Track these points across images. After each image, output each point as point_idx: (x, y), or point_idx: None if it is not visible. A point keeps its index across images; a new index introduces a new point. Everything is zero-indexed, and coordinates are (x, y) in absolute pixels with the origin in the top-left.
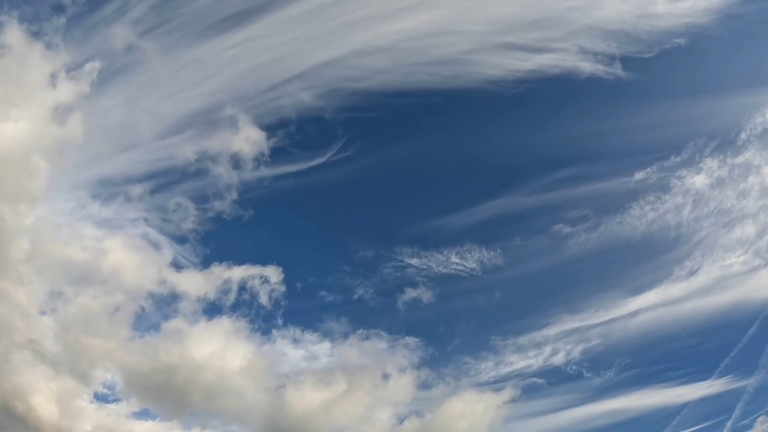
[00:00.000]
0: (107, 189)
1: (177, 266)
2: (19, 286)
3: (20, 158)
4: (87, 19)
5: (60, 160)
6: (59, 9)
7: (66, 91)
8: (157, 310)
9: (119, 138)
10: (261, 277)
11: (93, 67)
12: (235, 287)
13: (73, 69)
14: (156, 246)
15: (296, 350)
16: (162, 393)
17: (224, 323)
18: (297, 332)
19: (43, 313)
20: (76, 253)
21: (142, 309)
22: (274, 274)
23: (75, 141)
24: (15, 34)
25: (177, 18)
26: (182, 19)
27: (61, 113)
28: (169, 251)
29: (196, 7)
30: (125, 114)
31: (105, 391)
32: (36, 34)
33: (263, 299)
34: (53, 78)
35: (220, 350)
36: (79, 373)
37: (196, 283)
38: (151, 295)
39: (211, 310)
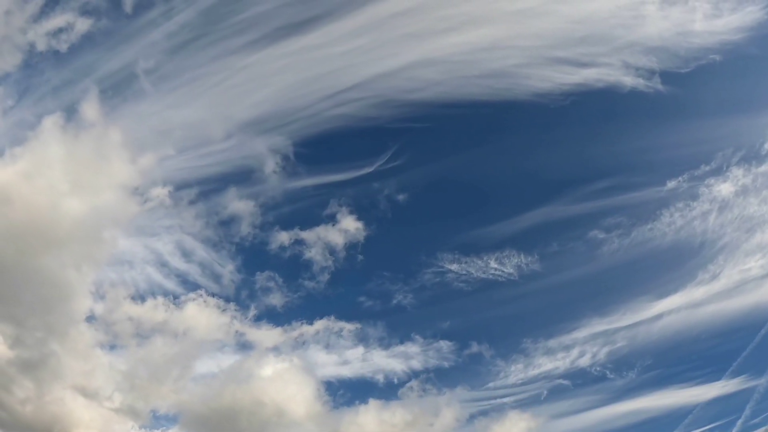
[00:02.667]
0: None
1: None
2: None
3: (92, 227)
4: None
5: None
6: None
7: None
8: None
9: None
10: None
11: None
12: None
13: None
14: (236, 302)
15: (329, 355)
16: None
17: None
18: (332, 337)
19: (107, 356)
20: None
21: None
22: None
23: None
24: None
25: (231, 27)
26: (235, 28)
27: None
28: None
29: (249, 16)
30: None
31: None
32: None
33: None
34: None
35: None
36: (136, 411)
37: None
38: (222, 344)
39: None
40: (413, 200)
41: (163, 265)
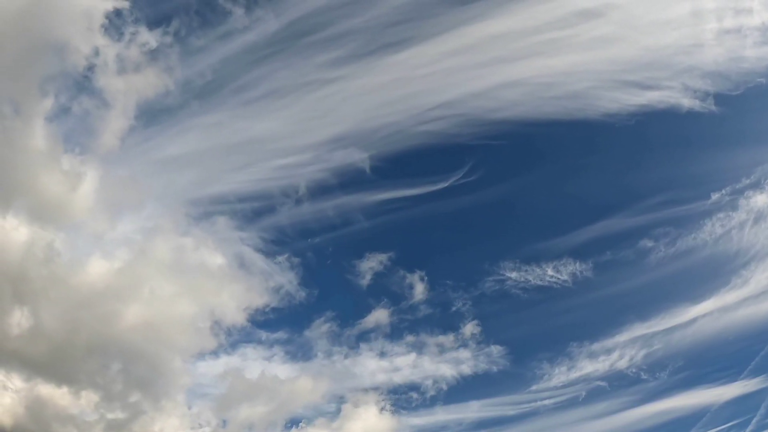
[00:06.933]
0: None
1: None
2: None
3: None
4: None
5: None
6: None
7: None
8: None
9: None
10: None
11: None
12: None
13: None
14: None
15: (380, 362)
16: None
17: None
18: (385, 344)
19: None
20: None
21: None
22: None
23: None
24: None
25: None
26: (325, 44)
27: None
28: None
29: (337, 32)
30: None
31: None
32: None
33: None
34: None
35: None
36: None
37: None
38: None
39: None
40: (482, 214)
41: (271, 347)
